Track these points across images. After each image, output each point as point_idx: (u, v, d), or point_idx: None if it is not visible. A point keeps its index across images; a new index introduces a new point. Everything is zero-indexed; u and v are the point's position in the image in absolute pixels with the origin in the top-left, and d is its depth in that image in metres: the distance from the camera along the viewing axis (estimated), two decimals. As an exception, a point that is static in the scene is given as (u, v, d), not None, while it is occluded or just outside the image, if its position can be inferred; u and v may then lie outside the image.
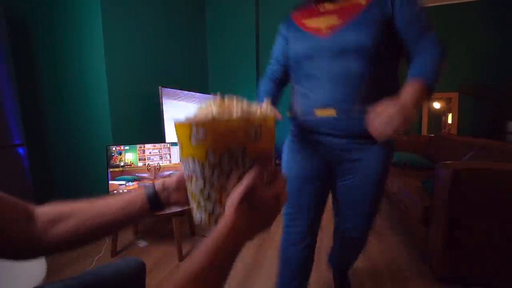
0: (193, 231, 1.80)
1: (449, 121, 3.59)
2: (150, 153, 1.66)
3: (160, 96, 2.03)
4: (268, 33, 3.18)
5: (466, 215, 1.16)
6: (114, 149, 1.58)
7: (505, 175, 1.09)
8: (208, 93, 3.04)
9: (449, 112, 3.59)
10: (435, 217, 1.27)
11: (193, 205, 0.38)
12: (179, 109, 2.35)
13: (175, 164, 1.71)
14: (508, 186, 1.09)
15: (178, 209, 1.54)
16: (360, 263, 1.46)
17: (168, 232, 1.82)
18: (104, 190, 1.69)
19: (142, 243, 1.70)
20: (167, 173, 1.69)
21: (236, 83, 3.27)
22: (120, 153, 1.60)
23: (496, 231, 1.13)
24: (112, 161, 1.58)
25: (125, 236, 1.79)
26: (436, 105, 3.69)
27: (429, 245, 1.32)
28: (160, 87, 2.04)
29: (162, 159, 1.69)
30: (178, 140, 0.36)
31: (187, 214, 1.64)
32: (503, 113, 3.18)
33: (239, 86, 3.27)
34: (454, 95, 3.56)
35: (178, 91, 2.33)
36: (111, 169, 1.58)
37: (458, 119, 3.54)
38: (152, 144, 1.67)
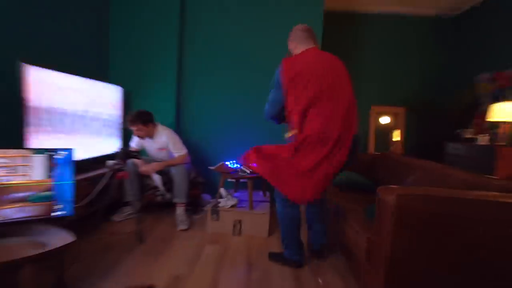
0: (62, 283, 1.51)
1: (396, 138, 4.16)
2: (-10, 163, 1.34)
3: (22, 78, 1.70)
4: (195, 22, 3.15)
5: (411, 250, 1.28)
6: None
7: (456, 203, 1.26)
8: (108, 82, 2.75)
9: (396, 129, 4.16)
10: (376, 251, 1.39)
11: None
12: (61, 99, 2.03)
13: (37, 181, 1.43)
14: (462, 217, 1.26)
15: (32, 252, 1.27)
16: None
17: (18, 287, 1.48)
18: None
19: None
20: (21, 195, 1.39)
21: (148, 77, 3.14)
22: None
23: (448, 269, 1.29)
24: None
25: None
26: (384, 120, 4.24)
27: (369, 283, 1.42)
28: (22, 64, 1.72)
29: (12, 173, 1.38)
30: None
31: (50, 260, 1.37)
32: (443, 133, 3.87)
33: (151, 80, 3.14)
34: (401, 111, 4.16)
35: (57, 73, 2.02)
36: None
37: (404, 136, 4.13)
38: (-5, 150, 1.35)
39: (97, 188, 2.17)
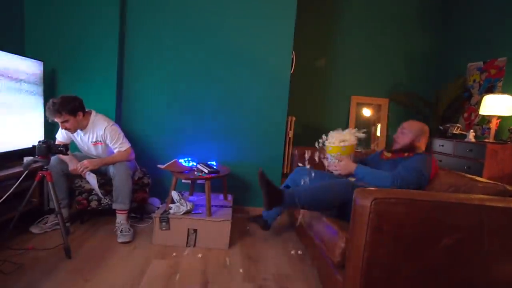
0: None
1: (378, 133, 4.29)
2: None
3: None
4: None
5: (388, 257, 1.31)
6: None
7: (437, 207, 1.31)
8: (23, 55, 2.56)
9: (378, 122, 4.29)
10: (350, 257, 1.42)
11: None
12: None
13: None
14: (442, 222, 1.31)
15: None
16: None
17: None
18: None
19: None
20: None
21: (80, 51, 3.01)
22: None
23: (426, 278, 1.33)
24: None
25: None
26: (366, 112, 4.35)
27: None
28: None
29: None
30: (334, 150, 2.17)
31: None
32: (430, 128, 4.03)
33: (85, 56, 3.02)
34: (384, 102, 4.29)
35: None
36: None
37: (387, 131, 4.27)
38: None
39: (8, 193, 2.02)
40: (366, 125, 4.31)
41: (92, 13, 2.94)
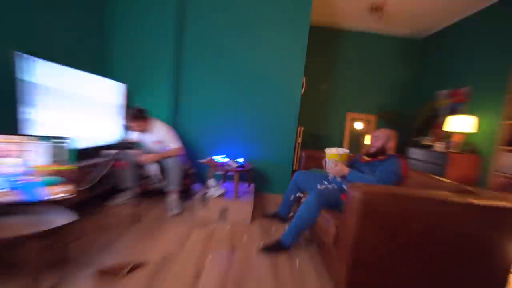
0: (64, 256, 1.51)
1: (367, 141, 4.28)
2: None
3: (15, 67, 1.65)
4: (194, 22, 3.10)
5: (371, 237, 1.36)
6: None
7: (411, 200, 1.35)
8: (108, 77, 2.70)
9: (367, 134, 4.29)
10: (342, 237, 1.46)
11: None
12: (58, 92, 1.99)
13: (46, 166, 1.41)
14: (414, 211, 1.34)
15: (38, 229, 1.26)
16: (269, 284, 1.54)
17: (23, 261, 1.47)
18: None
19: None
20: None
21: (148, 76, 3.10)
22: None
23: (400, 255, 1.37)
24: None
25: None
26: (358, 125, 4.35)
27: (335, 265, 1.50)
28: (15, 53, 1.66)
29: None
30: (332, 156, 2.09)
31: (54, 236, 1.37)
32: (406, 139, 4.01)
33: (151, 79, 3.10)
34: (373, 118, 4.29)
35: (57, 66, 1.97)
36: None
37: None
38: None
39: (100, 174, 2.16)
40: (357, 136, 4.34)
41: (158, 44, 3.03)
